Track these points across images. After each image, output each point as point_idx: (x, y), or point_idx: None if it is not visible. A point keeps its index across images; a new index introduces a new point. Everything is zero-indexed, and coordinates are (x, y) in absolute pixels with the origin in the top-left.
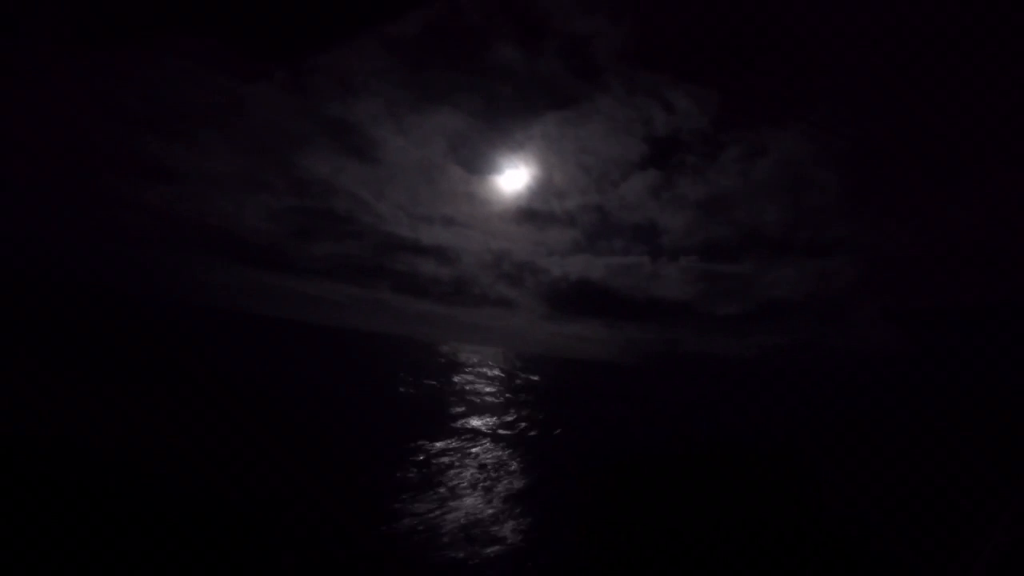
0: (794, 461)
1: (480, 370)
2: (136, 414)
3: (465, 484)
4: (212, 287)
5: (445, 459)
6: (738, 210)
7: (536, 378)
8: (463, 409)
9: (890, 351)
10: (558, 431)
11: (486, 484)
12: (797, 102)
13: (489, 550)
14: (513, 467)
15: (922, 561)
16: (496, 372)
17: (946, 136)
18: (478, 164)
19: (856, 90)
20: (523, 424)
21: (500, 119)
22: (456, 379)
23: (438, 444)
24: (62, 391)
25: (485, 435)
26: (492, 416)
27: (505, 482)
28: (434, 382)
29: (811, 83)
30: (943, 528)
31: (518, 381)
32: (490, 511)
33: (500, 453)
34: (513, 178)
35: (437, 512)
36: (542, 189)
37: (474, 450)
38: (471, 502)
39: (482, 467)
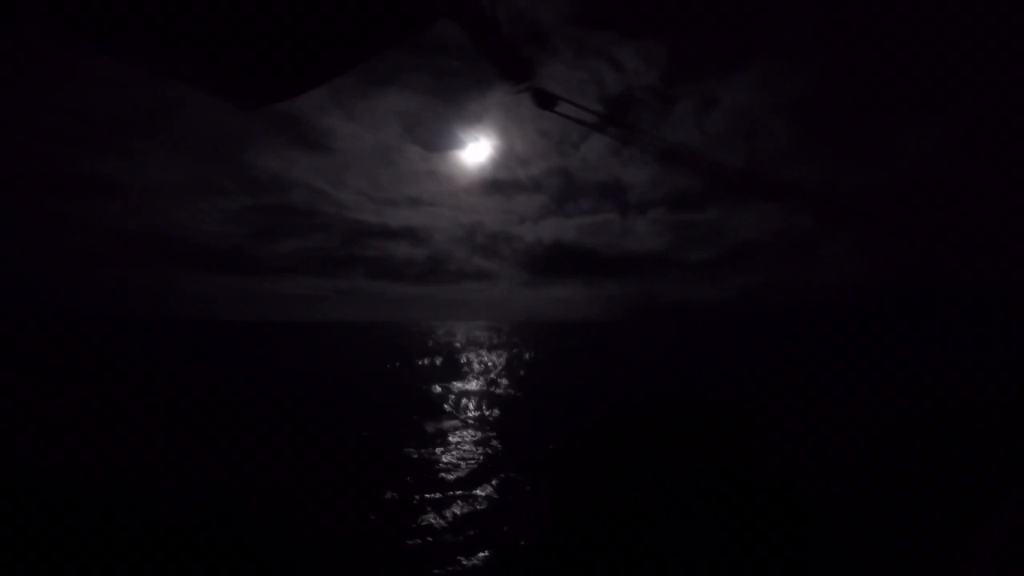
0: (761, 417)
1: (459, 344)
2: (125, 440)
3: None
4: (179, 298)
5: (438, 442)
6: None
7: (521, 348)
8: (443, 386)
9: (862, 281)
10: (522, 392)
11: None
12: (743, 51)
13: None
14: (487, 437)
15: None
16: (476, 345)
17: (892, 77)
18: (436, 141)
19: (800, 36)
20: (499, 391)
21: (452, 94)
22: (437, 358)
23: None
24: (45, 422)
25: (465, 411)
26: (471, 386)
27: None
28: (418, 362)
29: (755, 32)
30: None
31: (500, 351)
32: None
33: (477, 430)
34: (474, 151)
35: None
36: (504, 159)
37: (453, 433)
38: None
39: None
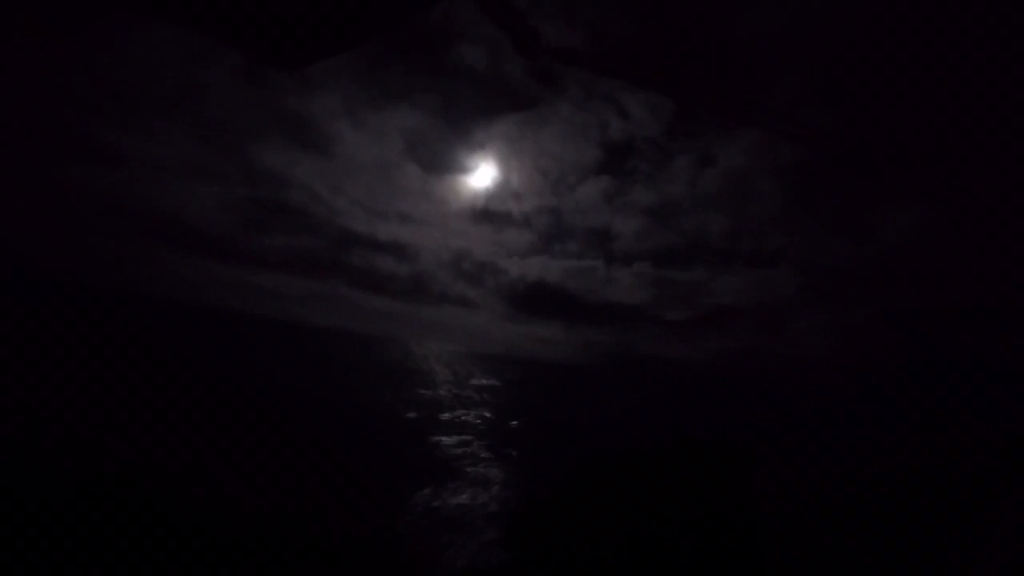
0: (744, 462)
1: (442, 371)
2: (96, 416)
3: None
4: (162, 276)
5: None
6: (686, 218)
7: (497, 382)
8: (427, 412)
9: (833, 358)
10: (515, 423)
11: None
12: (746, 112)
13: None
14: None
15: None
16: (457, 372)
17: (879, 155)
18: (436, 163)
19: (802, 100)
20: (486, 426)
21: (459, 119)
22: (419, 382)
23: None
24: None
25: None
26: (457, 417)
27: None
28: (401, 384)
29: (760, 93)
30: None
31: (479, 383)
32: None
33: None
34: (471, 178)
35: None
36: (500, 190)
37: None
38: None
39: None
